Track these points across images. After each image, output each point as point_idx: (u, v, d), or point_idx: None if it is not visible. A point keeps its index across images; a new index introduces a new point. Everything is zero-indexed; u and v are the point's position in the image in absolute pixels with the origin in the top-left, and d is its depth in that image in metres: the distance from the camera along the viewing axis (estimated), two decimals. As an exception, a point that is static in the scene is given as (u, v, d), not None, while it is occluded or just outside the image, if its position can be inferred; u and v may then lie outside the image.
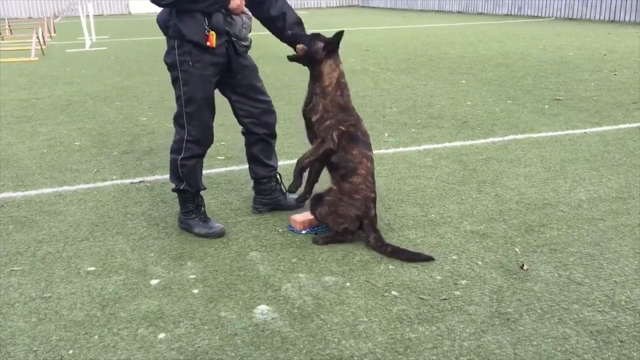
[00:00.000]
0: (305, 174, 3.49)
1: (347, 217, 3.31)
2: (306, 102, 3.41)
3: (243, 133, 3.74)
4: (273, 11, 3.46)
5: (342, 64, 3.38)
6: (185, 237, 3.52)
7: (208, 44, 3.22)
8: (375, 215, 3.36)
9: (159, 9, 3.35)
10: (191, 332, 2.58)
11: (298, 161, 3.45)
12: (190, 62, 3.27)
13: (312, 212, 3.45)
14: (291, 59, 3.40)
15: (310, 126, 3.41)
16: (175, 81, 3.36)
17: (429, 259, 3.14)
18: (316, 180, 3.51)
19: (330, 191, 3.40)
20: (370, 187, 3.34)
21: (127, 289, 2.94)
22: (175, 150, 3.45)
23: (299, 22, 3.49)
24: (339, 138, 3.30)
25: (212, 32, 3.22)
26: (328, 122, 3.30)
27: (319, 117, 3.32)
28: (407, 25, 18.48)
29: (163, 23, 3.33)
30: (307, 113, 3.39)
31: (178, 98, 3.37)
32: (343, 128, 3.31)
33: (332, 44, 3.31)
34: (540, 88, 7.79)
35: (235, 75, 3.48)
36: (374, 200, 3.36)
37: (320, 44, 3.31)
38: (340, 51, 3.38)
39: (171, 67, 3.34)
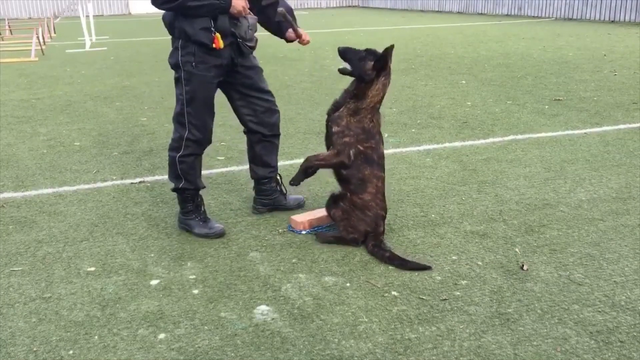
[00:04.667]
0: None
1: (357, 230, 3.31)
2: (332, 109, 3.34)
3: (245, 132, 3.74)
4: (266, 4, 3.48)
5: (389, 84, 3.29)
6: (185, 237, 3.52)
7: (214, 45, 3.22)
8: (383, 230, 3.35)
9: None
10: (191, 332, 2.58)
11: (308, 158, 3.43)
12: (194, 63, 3.28)
13: (327, 211, 3.45)
14: (342, 72, 3.30)
15: (328, 136, 3.37)
16: (177, 80, 3.37)
17: (423, 268, 3.08)
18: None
19: (344, 197, 3.37)
20: (380, 205, 3.33)
21: (127, 290, 2.94)
22: (174, 148, 3.46)
23: (290, 11, 3.51)
24: (355, 156, 3.27)
25: (218, 34, 3.22)
26: (347, 139, 3.26)
27: (339, 131, 3.27)
28: (407, 26, 18.49)
29: (169, 23, 3.33)
30: (329, 120, 3.34)
31: (179, 97, 3.38)
32: (361, 148, 3.27)
33: (381, 61, 3.20)
34: (540, 88, 7.80)
35: (239, 76, 3.48)
36: (383, 218, 3.36)
37: (370, 64, 3.21)
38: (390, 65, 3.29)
39: (174, 67, 3.36)
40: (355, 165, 3.28)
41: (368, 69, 3.21)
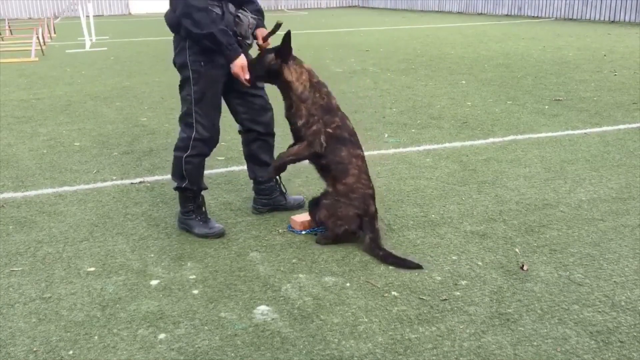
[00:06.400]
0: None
1: (346, 218, 3.29)
2: (287, 107, 3.37)
3: (240, 132, 3.74)
4: None
5: (305, 63, 3.32)
6: (185, 237, 3.52)
7: None
8: (376, 210, 3.34)
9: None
10: (191, 332, 2.58)
11: (280, 155, 3.44)
12: (202, 62, 3.28)
13: (312, 217, 3.45)
14: (258, 81, 3.40)
15: (296, 130, 3.36)
16: (185, 81, 3.36)
17: (416, 266, 3.08)
18: None
19: (327, 194, 3.38)
20: (366, 184, 3.32)
21: (127, 290, 2.94)
22: (180, 148, 3.45)
23: (259, 11, 3.48)
24: (326, 142, 3.27)
25: None
26: (315, 127, 3.26)
27: (305, 122, 3.28)
28: (407, 26, 18.49)
29: (172, 22, 3.31)
30: (291, 117, 3.35)
31: (187, 97, 3.37)
32: (330, 130, 3.28)
33: (283, 49, 3.25)
34: (540, 88, 7.80)
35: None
36: (372, 196, 3.34)
37: (269, 56, 3.29)
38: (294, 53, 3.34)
39: (182, 67, 3.35)
40: (330, 149, 3.28)
41: (270, 60, 3.27)
